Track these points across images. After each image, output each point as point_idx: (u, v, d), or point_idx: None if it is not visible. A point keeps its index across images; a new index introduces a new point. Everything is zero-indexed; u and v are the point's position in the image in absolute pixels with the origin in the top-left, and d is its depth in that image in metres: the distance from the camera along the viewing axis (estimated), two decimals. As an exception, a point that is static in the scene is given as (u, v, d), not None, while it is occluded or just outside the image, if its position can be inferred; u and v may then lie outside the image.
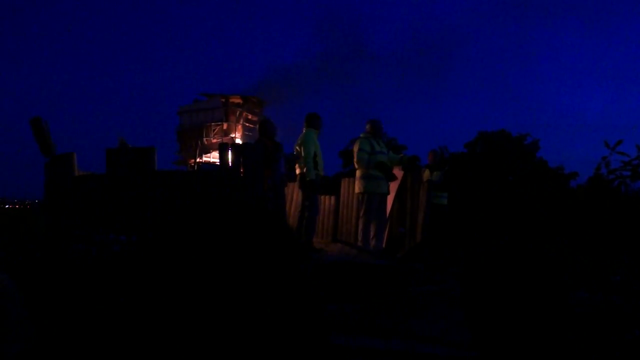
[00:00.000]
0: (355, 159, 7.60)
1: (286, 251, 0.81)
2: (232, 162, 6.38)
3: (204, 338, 0.75)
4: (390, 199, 7.86)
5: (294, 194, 8.57)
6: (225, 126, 37.80)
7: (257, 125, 7.78)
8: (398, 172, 8.21)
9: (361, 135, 7.75)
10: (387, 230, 7.86)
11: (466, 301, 1.32)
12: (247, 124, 38.62)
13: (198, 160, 35.26)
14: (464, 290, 1.35)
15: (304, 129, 7.57)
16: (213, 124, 37.92)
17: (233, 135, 36.74)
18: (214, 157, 34.30)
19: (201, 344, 0.74)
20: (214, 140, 36.00)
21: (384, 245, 7.57)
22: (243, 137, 36.75)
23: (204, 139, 37.43)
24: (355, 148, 7.60)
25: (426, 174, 9.13)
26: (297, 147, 7.45)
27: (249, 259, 0.77)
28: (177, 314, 0.75)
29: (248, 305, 0.75)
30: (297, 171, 7.54)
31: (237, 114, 38.28)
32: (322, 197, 8.55)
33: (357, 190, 7.68)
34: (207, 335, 0.75)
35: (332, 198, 8.64)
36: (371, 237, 7.43)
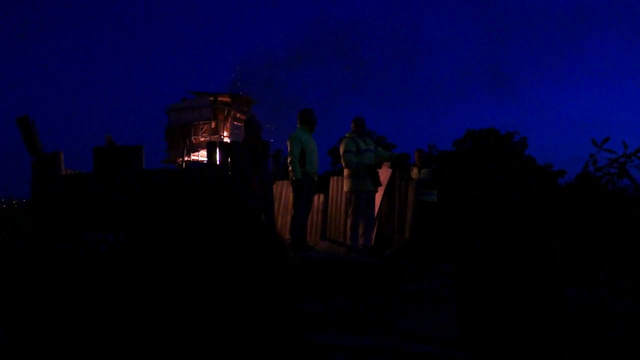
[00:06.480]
0: (343, 161, 7.65)
1: (258, 247, 0.81)
2: (220, 161, 6.37)
3: (180, 329, 0.75)
4: (378, 197, 7.89)
5: (282, 192, 8.58)
6: (213, 125, 37.60)
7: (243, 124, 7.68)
8: (387, 170, 8.23)
9: (346, 134, 7.75)
10: (375, 228, 7.88)
11: (458, 301, 1.31)
12: (236, 123, 38.41)
13: (186, 158, 35.05)
14: (456, 290, 1.35)
15: (297, 126, 7.44)
16: (201, 122, 37.70)
17: (221, 134, 36.59)
18: (202, 155, 34.12)
19: (178, 334, 0.75)
20: (202, 139, 35.77)
21: (372, 243, 7.59)
22: (231, 135, 36.59)
23: (192, 138, 37.20)
24: (342, 150, 7.64)
25: (414, 172, 9.17)
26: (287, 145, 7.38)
27: (222, 254, 0.77)
28: (154, 307, 0.76)
29: (218, 297, 0.76)
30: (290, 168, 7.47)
31: (226, 112, 38.08)
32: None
33: (345, 188, 7.71)
34: (182, 325, 0.75)
35: (321, 196, 8.64)
36: (359, 235, 7.44)
